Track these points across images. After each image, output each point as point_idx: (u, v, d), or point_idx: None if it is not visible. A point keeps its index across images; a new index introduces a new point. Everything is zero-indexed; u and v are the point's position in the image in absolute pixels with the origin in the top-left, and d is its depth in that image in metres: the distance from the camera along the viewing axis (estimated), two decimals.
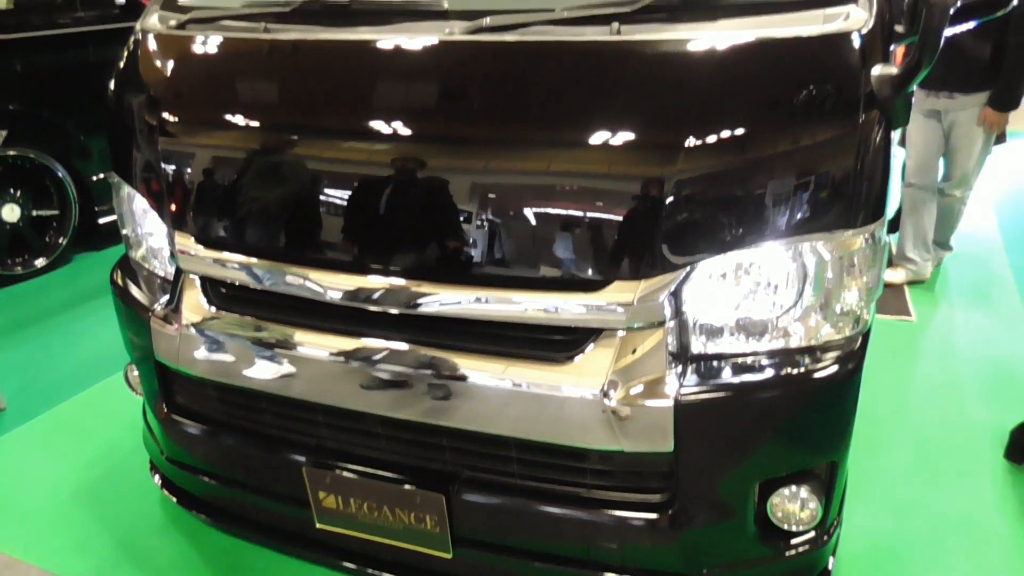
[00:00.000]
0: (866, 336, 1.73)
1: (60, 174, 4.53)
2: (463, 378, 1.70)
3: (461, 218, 1.63)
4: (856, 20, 1.59)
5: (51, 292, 4.37)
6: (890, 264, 4.16)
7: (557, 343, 1.66)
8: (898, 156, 3.88)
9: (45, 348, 3.74)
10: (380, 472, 1.86)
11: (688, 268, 1.58)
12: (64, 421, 3.15)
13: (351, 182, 1.74)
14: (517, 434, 1.71)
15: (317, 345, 1.83)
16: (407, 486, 1.83)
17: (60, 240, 4.62)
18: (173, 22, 2.10)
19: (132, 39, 2.19)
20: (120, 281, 2.24)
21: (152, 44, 2.11)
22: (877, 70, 1.55)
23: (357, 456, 1.91)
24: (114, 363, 3.47)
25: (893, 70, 1.54)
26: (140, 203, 2.10)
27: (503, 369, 1.67)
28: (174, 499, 2.35)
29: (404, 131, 1.70)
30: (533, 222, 1.60)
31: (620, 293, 1.58)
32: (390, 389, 1.77)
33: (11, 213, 4.45)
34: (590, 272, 1.59)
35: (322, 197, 1.76)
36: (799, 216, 1.56)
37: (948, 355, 3.47)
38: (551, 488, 1.78)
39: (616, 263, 1.58)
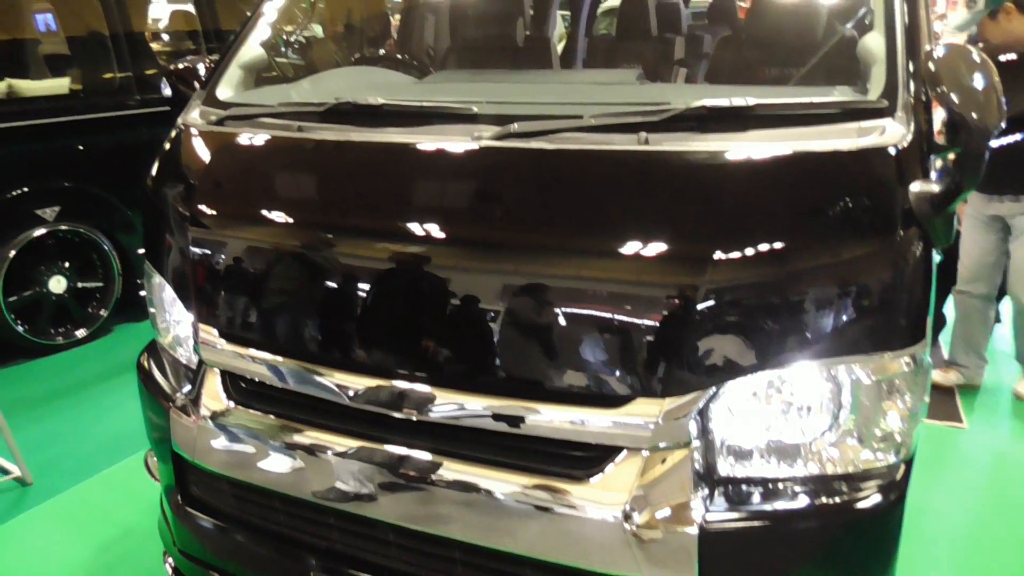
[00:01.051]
0: (909, 463, 1.62)
1: (106, 247, 4.66)
2: (479, 490, 1.63)
3: (486, 326, 1.60)
4: (893, 135, 1.54)
5: (88, 363, 4.43)
6: (940, 366, 3.99)
7: (577, 459, 1.59)
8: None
9: (75, 421, 3.76)
10: None
11: (716, 386, 1.51)
12: (86, 500, 3.13)
13: (376, 284, 1.72)
14: (532, 553, 1.63)
15: (332, 447, 1.79)
16: None
17: (102, 311, 4.72)
18: (213, 117, 2.15)
19: (174, 132, 2.25)
20: (146, 366, 2.24)
21: (191, 138, 2.17)
22: (916, 187, 1.50)
23: (366, 563, 1.84)
24: (139, 440, 3.42)
25: (934, 187, 1.49)
26: (169, 292, 2.12)
27: (520, 484, 1.60)
28: None
29: (432, 235, 1.69)
30: (558, 333, 1.56)
31: (645, 410, 1.51)
32: (405, 497, 1.71)
33: (58, 285, 4.56)
34: (614, 387, 1.53)
35: (346, 299, 1.74)
36: (833, 336, 1.49)
37: (1001, 467, 3.27)
38: None
39: (641, 378, 1.52)
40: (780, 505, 1.54)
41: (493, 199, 1.71)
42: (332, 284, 1.78)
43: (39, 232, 4.41)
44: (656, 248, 1.53)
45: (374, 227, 1.79)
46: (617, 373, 1.53)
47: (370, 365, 1.72)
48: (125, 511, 3.01)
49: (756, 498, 1.55)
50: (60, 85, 4.67)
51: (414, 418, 1.68)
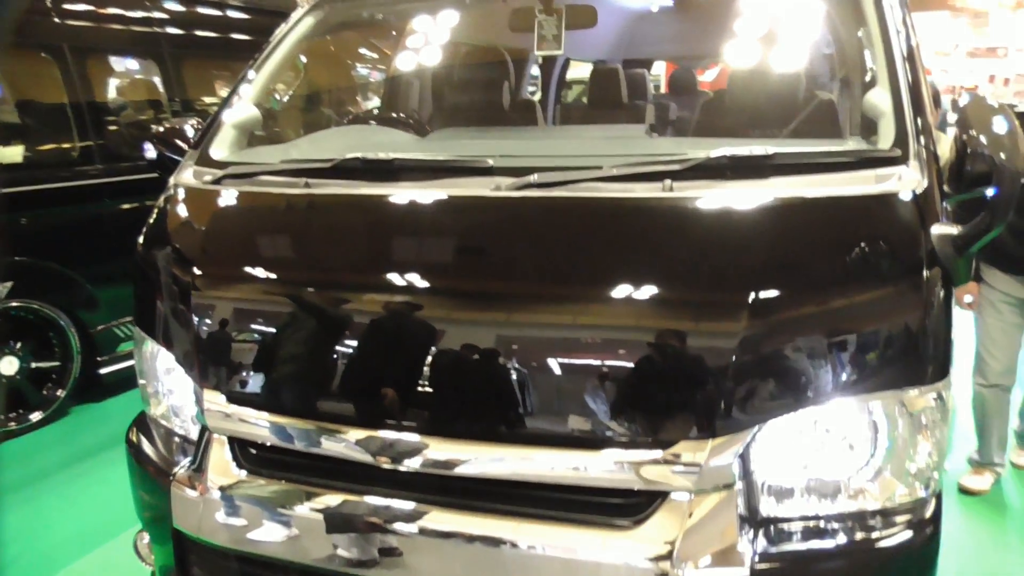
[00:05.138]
0: (939, 498, 1.63)
1: (63, 324, 4.45)
2: (519, 546, 1.57)
3: (524, 377, 1.57)
4: (910, 181, 1.61)
5: (47, 450, 4.17)
6: (975, 469, 3.57)
7: (621, 508, 1.55)
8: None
9: (39, 512, 3.51)
10: None
11: (758, 426, 1.50)
12: None
13: (404, 339, 1.68)
14: None
15: (358, 511, 1.70)
16: None
17: (59, 393, 4.47)
18: (208, 177, 2.11)
19: (167, 193, 2.19)
20: (136, 440, 2.12)
21: (188, 198, 2.11)
22: (936, 229, 1.56)
23: None
24: (112, 528, 3.25)
25: (952, 229, 1.55)
26: (164, 359, 2.02)
27: (565, 537, 1.55)
28: None
29: (459, 287, 1.67)
30: (601, 381, 1.54)
31: (689, 454, 1.49)
32: (440, 559, 1.63)
33: (9, 366, 4.32)
34: (659, 432, 1.51)
35: (375, 356, 1.69)
36: (867, 373, 1.52)
37: None
38: None
39: (685, 422, 1.50)
40: (823, 542, 1.54)
41: (523, 250, 1.70)
42: (357, 342, 1.72)
43: None
44: (694, 294, 1.55)
45: (396, 281, 1.76)
46: (661, 418, 1.52)
47: (398, 423, 1.66)
48: None
49: (799, 537, 1.55)
50: (13, 154, 4.51)
51: (454, 476, 1.62)
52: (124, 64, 5.23)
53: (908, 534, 1.55)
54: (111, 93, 5.07)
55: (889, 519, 1.56)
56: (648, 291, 1.56)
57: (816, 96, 2.44)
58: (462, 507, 1.63)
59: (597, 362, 1.55)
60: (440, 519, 1.63)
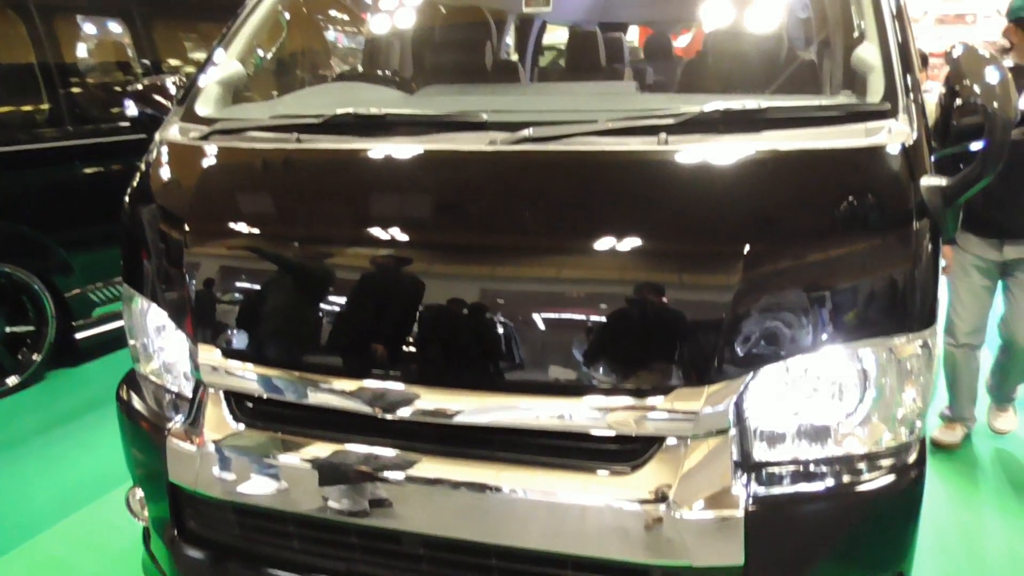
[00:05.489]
0: (923, 444, 1.70)
1: (37, 288, 4.38)
2: (518, 492, 1.61)
3: (518, 328, 1.59)
4: (900, 133, 1.65)
5: (24, 414, 4.12)
6: (947, 424, 3.67)
7: (619, 454, 1.59)
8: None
9: (20, 475, 3.48)
10: None
11: (753, 372, 1.55)
12: (41, 558, 2.89)
13: (404, 289, 1.69)
14: (576, 551, 1.61)
15: (357, 460, 1.73)
16: None
17: (34, 357, 4.42)
18: (196, 133, 2.08)
19: (152, 151, 2.17)
20: (127, 397, 2.12)
21: (175, 155, 2.09)
22: (925, 180, 1.60)
23: None
24: (94, 490, 3.26)
25: (941, 181, 1.59)
26: (156, 316, 2.02)
27: (564, 482, 1.59)
28: None
29: (453, 243, 1.69)
30: (597, 331, 1.57)
31: (686, 400, 1.54)
32: (439, 506, 1.66)
33: None
34: (658, 378, 1.55)
35: (361, 309, 1.71)
36: (858, 321, 1.56)
37: None
38: None
39: (681, 370, 1.54)
40: (813, 486, 1.59)
41: (520, 204, 1.72)
42: (352, 295, 1.73)
43: None
44: (691, 245, 1.58)
45: (390, 235, 1.77)
46: (660, 366, 1.56)
47: (397, 373, 1.68)
48: (90, 564, 2.80)
49: (790, 480, 1.60)
50: None
51: (452, 423, 1.64)
52: (93, 24, 5.09)
53: (894, 477, 1.61)
54: (80, 53, 4.93)
55: (876, 463, 1.62)
56: (646, 242, 1.58)
57: (797, 56, 2.46)
58: (467, 456, 1.67)
59: (597, 313, 1.58)
60: (444, 468, 1.66)
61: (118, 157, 4.61)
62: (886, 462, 1.63)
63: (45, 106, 4.50)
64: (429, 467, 1.67)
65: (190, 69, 5.07)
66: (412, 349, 1.67)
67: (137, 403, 2.08)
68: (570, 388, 1.58)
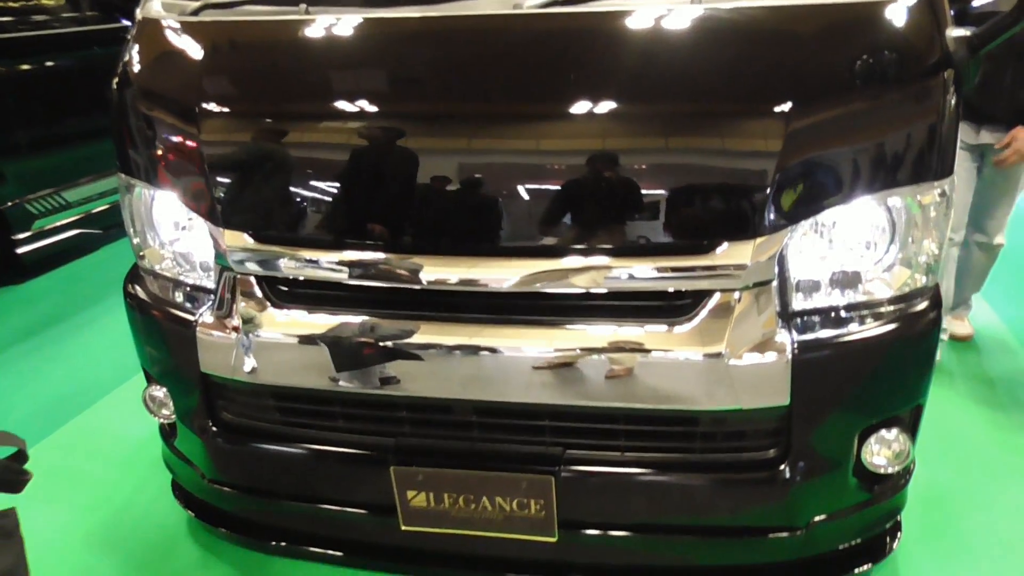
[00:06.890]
0: (938, 288, 1.81)
1: None
2: (573, 351, 1.66)
3: (577, 189, 1.60)
4: None
5: None
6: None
7: (674, 309, 1.65)
8: None
9: None
10: (479, 462, 1.79)
11: (797, 224, 1.61)
12: (45, 466, 2.81)
13: (444, 156, 1.66)
14: (630, 403, 1.69)
15: (401, 333, 1.74)
16: (511, 473, 1.76)
17: None
18: (187, 7, 1.95)
19: (136, 29, 2.02)
20: (139, 293, 2.04)
21: (167, 31, 1.95)
22: (951, 32, 1.65)
23: (449, 450, 1.83)
24: (78, 400, 3.19)
25: (965, 32, 1.64)
26: (161, 205, 1.94)
27: (622, 340, 1.65)
28: (218, 528, 2.17)
29: (493, 109, 1.66)
30: (655, 193, 1.60)
31: (736, 254, 1.59)
32: (491, 372, 1.70)
33: None
34: (709, 236, 1.60)
35: (409, 176, 1.67)
36: (888, 171, 1.63)
37: None
38: (660, 458, 1.76)
39: (732, 225, 1.59)
40: (848, 328, 1.69)
41: (555, 68, 1.68)
42: (382, 166, 1.70)
43: None
44: (736, 103, 1.60)
45: (424, 101, 1.73)
46: (712, 221, 1.61)
47: (446, 243, 1.68)
48: (93, 470, 2.76)
49: (828, 325, 1.69)
50: None
51: (505, 290, 1.66)
52: None
53: (916, 319, 1.73)
54: None
55: (900, 306, 1.73)
56: (695, 102, 1.60)
57: None
58: (518, 323, 1.70)
59: (653, 176, 1.61)
60: (500, 336, 1.70)
61: (50, 53, 4.24)
62: (909, 305, 1.74)
63: None
64: (489, 336, 1.70)
65: None
66: (460, 218, 1.67)
67: (151, 298, 2.01)
68: (631, 250, 1.62)
